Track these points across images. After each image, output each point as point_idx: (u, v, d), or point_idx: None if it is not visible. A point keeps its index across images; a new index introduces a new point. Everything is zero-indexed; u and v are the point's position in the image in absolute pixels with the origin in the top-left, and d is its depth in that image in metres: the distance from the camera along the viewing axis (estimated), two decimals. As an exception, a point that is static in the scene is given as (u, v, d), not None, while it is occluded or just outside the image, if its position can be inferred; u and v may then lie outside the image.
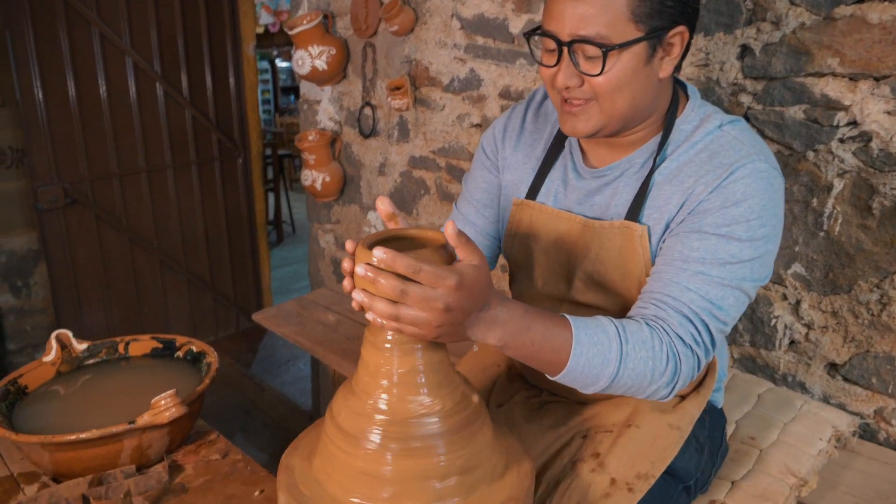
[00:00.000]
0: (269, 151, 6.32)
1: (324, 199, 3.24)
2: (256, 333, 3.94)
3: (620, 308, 1.08)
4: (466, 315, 0.79)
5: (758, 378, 1.70)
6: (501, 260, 2.41)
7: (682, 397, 1.18)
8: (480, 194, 1.26)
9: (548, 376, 0.93)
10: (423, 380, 0.84)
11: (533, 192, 1.16)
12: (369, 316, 0.78)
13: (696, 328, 0.94)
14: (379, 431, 0.83)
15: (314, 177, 3.13)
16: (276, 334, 2.59)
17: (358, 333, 2.49)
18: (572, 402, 1.23)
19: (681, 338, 0.94)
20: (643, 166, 1.06)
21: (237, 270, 3.92)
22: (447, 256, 0.81)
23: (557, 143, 1.17)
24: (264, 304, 4.11)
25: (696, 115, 1.05)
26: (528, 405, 1.25)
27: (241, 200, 3.84)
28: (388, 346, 0.84)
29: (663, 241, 1.01)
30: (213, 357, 1.31)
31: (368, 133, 3.00)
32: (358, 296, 0.78)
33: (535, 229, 1.15)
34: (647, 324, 0.94)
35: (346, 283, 0.84)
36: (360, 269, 0.76)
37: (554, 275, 1.14)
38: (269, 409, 3.28)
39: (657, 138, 1.06)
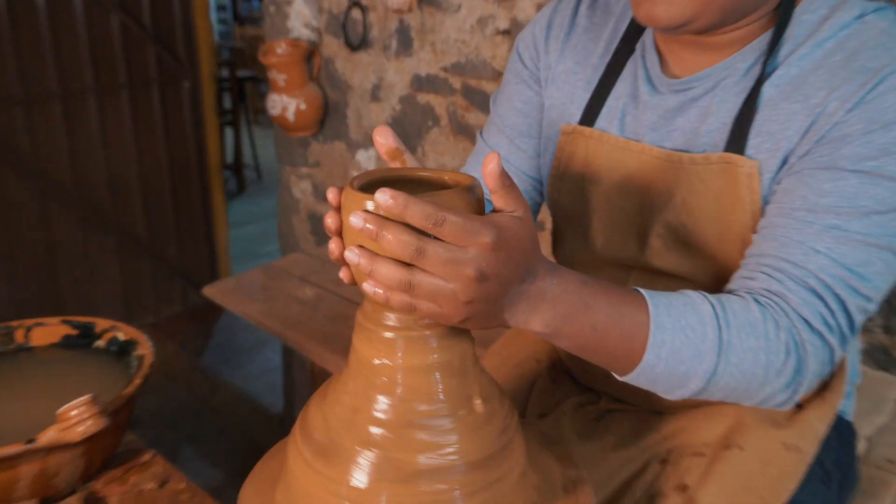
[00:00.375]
0: (226, 73, 6.30)
1: (298, 134, 3.23)
2: (210, 312, 3.97)
3: (715, 278, 1.07)
4: (505, 287, 0.77)
5: (894, 377, 1.67)
6: (543, 212, 2.37)
7: (800, 405, 1.15)
8: (516, 118, 1.25)
9: (616, 376, 0.90)
10: (439, 385, 0.81)
11: (590, 115, 1.15)
12: (368, 287, 0.75)
13: (828, 306, 0.91)
14: (371, 457, 0.80)
15: (285, 104, 3.11)
16: (235, 314, 2.61)
17: (345, 313, 2.50)
18: (645, 411, 1.21)
19: (806, 320, 0.90)
20: (747, 74, 1.02)
21: (184, 229, 3.93)
22: (475, 203, 0.78)
23: (624, 46, 1.14)
24: (220, 273, 4.12)
25: (823, 1, 1.00)
26: (582, 416, 1.24)
27: (189, 137, 3.84)
28: (389, 334, 0.80)
29: (779, 183, 0.98)
30: (146, 348, 1.28)
31: (357, 44, 2.97)
32: (352, 255, 0.75)
33: (592, 167, 1.14)
34: (756, 300, 0.91)
35: (333, 246, 0.80)
36: (355, 219, 0.73)
37: (620, 231, 1.13)
38: (227, 412, 3.30)
39: (767, 36, 1.02)
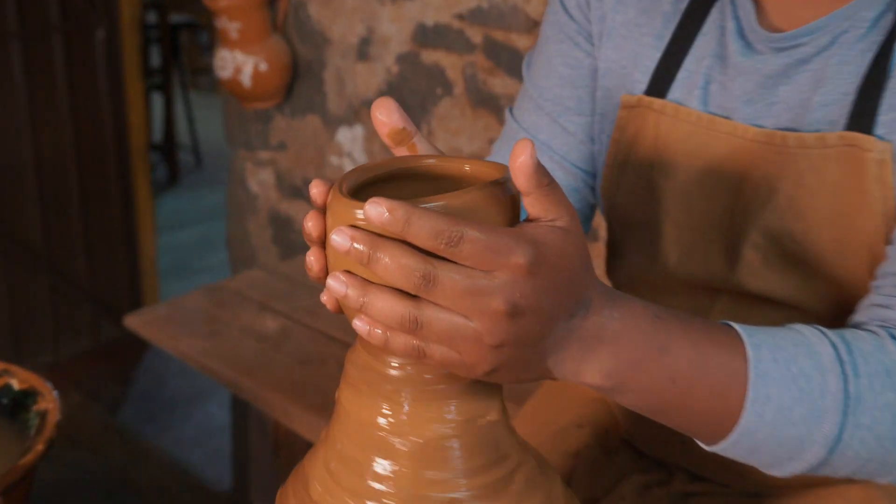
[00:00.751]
0: (154, 18, 6.32)
1: (256, 105, 3.23)
2: (131, 350, 3.95)
3: (833, 305, 1.08)
4: (547, 325, 0.77)
5: None
6: (597, 218, 2.37)
7: None
8: (559, 89, 1.26)
9: (702, 445, 0.90)
10: (458, 461, 0.82)
11: (661, 83, 1.17)
12: (360, 325, 0.76)
13: None
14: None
15: (239, 63, 3.12)
16: (167, 353, 2.62)
17: (322, 353, 2.48)
18: (737, 494, 1.22)
19: None
20: (876, 26, 1.04)
21: (95, 235, 3.93)
22: (508, 204, 0.78)
23: None
24: (145, 295, 4.12)
25: None
26: (649, 503, 1.24)
27: (103, 106, 3.84)
28: (391, 386, 0.82)
29: None
30: (50, 401, 1.28)
31: (340, -19, 2.96)
32: (337, 285, 0.76)
33: (664, 154, 1.15)
34: (893, 338, 0.91)
35: (312, 258, 0.81)
36: (339, 238, 0.73)
37: (702, 241, 1.15)
38: (153, 489, 3.25)
39: None
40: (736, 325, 0.87)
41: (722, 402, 0.85)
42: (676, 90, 1.15)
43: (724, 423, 0.86)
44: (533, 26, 2.54)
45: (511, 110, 1.31)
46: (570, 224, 0.77)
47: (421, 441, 0.81)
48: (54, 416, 1.23)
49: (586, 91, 1.25)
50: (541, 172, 0.74)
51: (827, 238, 1.04)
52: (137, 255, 4.07)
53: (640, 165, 1.17)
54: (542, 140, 1.26)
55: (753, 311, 1.12)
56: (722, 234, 1.12)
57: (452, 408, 0.81)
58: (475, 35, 2.69)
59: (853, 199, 1.02)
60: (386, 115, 0.87)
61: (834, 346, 0.88)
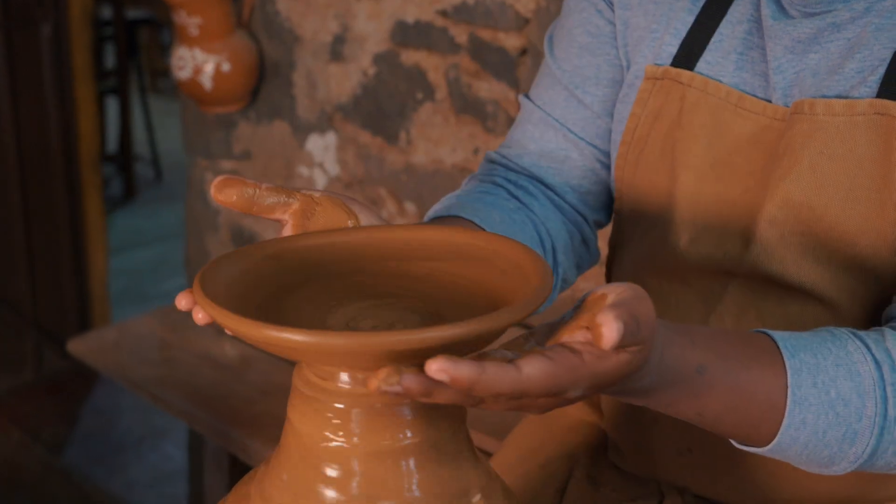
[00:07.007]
0: (108, 13, 6.29)
1: (218, 109, 3.23)
2: (77, 382, 3.95)
3: (850, 293, 1.11)
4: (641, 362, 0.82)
5: None
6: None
7: None
8: (578, 58, 1.31)
9: (733, 442, 0.97)
10: (413, 477, 0.84)
11: (690, 52, 1.21)
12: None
13: None
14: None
15: (199, 63, 3.10)
16: (118, 385, 2.60)
17: (284, 383, 2.39)
18: None
19: None
20: None
21: (40, 256, 3.92)
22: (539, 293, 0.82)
23: None
24: (94, 324, 4.10)
25: None
26: None
27: (50, 111, 3.83)
28: (340, 404, 0.84)
29: None
30: None
31: (310, -27, 2.98)
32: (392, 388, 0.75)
33: (687, 133, 1.19)
34: None
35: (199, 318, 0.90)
36: (389, 387, 0.73)
37: (716, 221, 1.18)
38: (102, 538, 3.27)
39: None
40: (780, 341, 0.91)
41: (755, 431, 0.92)
42: (710, 54, 1.19)
43: (758, 441, 0.93)
44: (523, 24, 2.53)
45: (526, 95, 1.35)
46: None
47: (373, 463, 0.83)
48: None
49: (605, 60, 1.29)
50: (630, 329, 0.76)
51: (850, 213, 1.07)
52: (87, 278, 4.05)
53: (663, 142, 1.21)
54: (556, 117, 1.30)
55: (768, 298, 1.15)
56: (739, 211, 1.16)
57: (408, 431, 0.84)
58: (460, 34, 2.69)
59: (881, 171, 1.05)
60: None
61: (878, 364, 0.92)
